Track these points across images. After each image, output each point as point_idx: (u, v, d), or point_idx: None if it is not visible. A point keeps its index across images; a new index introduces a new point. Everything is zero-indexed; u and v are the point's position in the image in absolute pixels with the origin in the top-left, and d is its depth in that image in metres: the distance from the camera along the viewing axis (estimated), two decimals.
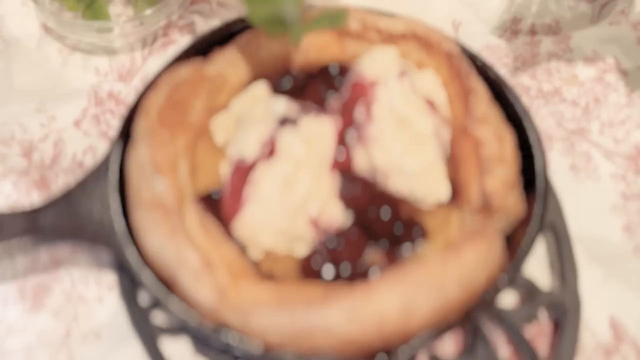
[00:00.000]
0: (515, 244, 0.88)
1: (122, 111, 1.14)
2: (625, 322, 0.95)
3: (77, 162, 1.11)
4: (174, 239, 0.82)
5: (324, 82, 0.94)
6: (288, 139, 0.84)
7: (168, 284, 0.85)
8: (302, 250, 0.87)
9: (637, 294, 0.97)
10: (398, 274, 0.79)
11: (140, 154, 0.90)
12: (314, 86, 0.93)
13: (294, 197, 0.83)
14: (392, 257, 0.85)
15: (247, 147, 0.87)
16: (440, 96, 0.93)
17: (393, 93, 0.86)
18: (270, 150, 0.85)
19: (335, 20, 0.83)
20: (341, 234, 0.85)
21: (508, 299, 0.96)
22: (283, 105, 0.89)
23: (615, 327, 0.95)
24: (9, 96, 1.17)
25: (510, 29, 1.28)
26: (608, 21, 1.27)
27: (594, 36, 1.26)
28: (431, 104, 0.89)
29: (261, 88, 0.94)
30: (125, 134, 0.95)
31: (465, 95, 0.92)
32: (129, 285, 0.93)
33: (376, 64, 0.91)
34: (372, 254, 0.86)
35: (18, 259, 1.00)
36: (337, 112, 0.88)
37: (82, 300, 0.97)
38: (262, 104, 0.90)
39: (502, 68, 1.19)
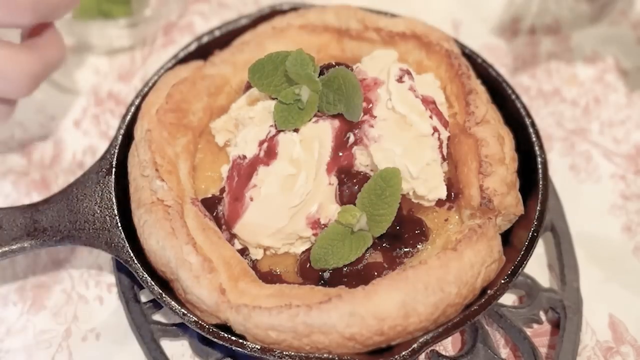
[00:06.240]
0: (515, 244, 0.88)
1: (122, 111, 1.14)
2: (625, 322, 0.95)
3: (77, 162, 1.11)
4: (175, 240, 0.82)
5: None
6: (288, 141, 0.84)
7: (168, 284, 0.85)
8: (302, 250, 0.87)
9: (637, 293, 0.98)
10: (399, 272, 0.79)
11: (141, 155, 0.90)
12: None
13: (293, 197, 0.83)
14: (393, 256, 0.85)
15: (247, 146, 0.87)
16: (439, 97, 0.93)
17: (394, 94, 0.86)
18: (270, 151, 0.85)
19: None
20: None
21: (508, 299, 0.97)
22: None
23: (615, 327, 0.95)
24: None
25: (510, 28, 1.28)
26: (608, 21, 1.27)
27: (593, 36, 1.26)
28: (432, 104, 0.89)
29: None
30: (126, 134, 0.95)
31: (465, 95, 0.92)
32: (129, 285, 0.93)
33: (377, 66, 0.91)
34: (372, 253, 0.86)
35: (18, 260, 1.00)
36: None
37: (82, 300, 0.97)
38: (261, 105, 0.90)
39: (501, 68, 1.19)
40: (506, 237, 0.89)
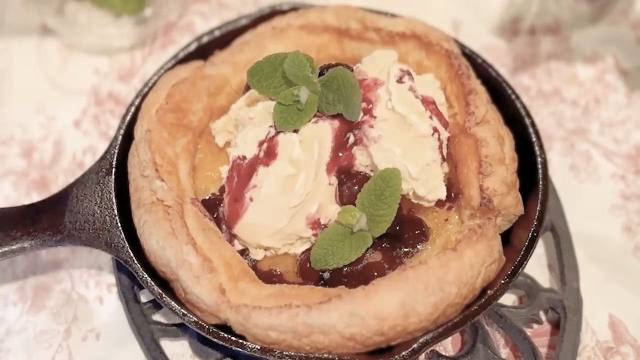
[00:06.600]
0: (515, 244, 0.88)
1: (121, 111, 1.14)
2: (625, 322, 0.95)
3: (76, 162, 1.11)
4: (175, 240, 0.82)
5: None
6: (287, 142, 0.84)
7: (168, 284, 0.85)
8: (302, 250, 0.87)
9: (637, 293, 0.98)
10: (399, 272, 0.79)
11: (141, 155, 0.90)
12: None
13: (293, 198, 0.83)
14: (393, 256, 0.85)
15: (247, 146, 0.87)
16: (439, 97, 0.93)
17: (394, 94, 0.86)
18: (270, 152, 0.85)
19: None
20: None
21: (508, 299, 0.97)
22: None
23: (615, 327, 0.95)
24: (8, 96, 1.18)
25: (510, 29, 1.28)
26: (608, 21, 1.27)
27: (593, 36, 1.26)
28: (432, 105, 0.89)
29: None
30: (126, 134, 0.95)
31: (465, 95, 0.91)
32: (129, 285, 0.93)
33: (377, 66, 0.91)
34: (372, 253, 0.85)
35: (18, 260, 1.00)
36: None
37: (82, 300, 0.97)
38: (261, 105, 0.90)
39: (501, 68, 1.19)
40: (506, 237, 0.89)
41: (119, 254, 0.86)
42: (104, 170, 0.92)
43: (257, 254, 0.87)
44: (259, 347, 0.78)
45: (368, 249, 0.84)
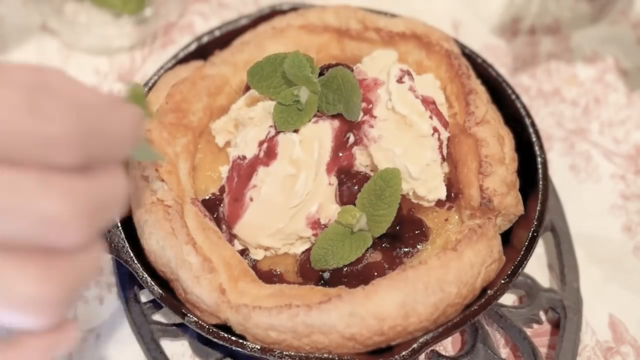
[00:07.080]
0: (515, 244, 0.88)
1: None
2: (625, 322, 0.95)
3: None
4: (175, 240, 0.82)
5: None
6: (287, 141, 0.84)
7: (168, 284, 0.85)
8: (302, 250, 0.87)
9: (637, 293, 0.98)
10: (398, 272, 0.79)
11: None
12: None
13: (293, 198, 0.83)
14: (393, 256, 0.85)
15: (247, 146, 0.87)
16: (439, 97, 0.93)
17: (394, 94, 0.86)
18: (270, 152, 0.85)
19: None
20: None
21: (508, 299, 0.97)
22: None
23: (615, 327, 0.95)
24: None
25: (510, 29, 1.28)
26: (608, 21, 1.27)
27: (593, 36, 1.26)
28: (432, 105, 0.89)
29: None
30: None
31: (465, 95, 0.91)
32: (129, 285, 0.93)
33: (377, 66, 0.91)
34: (372, 253, 0.85)
35: None
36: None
37: (82, 300, 0.96)
38: (261, 105, 0.90)
39: (501, 68, 1.19)
40: (506, 237, 0.89)
41: (119, 254, 0.86)
42: None
43: (257, 254, 0.87)
44: (259, 347, 0.78)
45: (368, 249, 0.84)
